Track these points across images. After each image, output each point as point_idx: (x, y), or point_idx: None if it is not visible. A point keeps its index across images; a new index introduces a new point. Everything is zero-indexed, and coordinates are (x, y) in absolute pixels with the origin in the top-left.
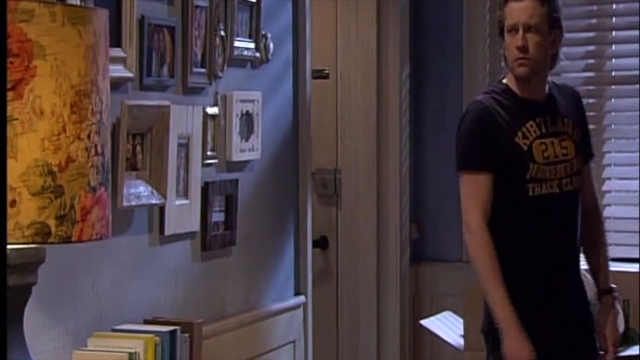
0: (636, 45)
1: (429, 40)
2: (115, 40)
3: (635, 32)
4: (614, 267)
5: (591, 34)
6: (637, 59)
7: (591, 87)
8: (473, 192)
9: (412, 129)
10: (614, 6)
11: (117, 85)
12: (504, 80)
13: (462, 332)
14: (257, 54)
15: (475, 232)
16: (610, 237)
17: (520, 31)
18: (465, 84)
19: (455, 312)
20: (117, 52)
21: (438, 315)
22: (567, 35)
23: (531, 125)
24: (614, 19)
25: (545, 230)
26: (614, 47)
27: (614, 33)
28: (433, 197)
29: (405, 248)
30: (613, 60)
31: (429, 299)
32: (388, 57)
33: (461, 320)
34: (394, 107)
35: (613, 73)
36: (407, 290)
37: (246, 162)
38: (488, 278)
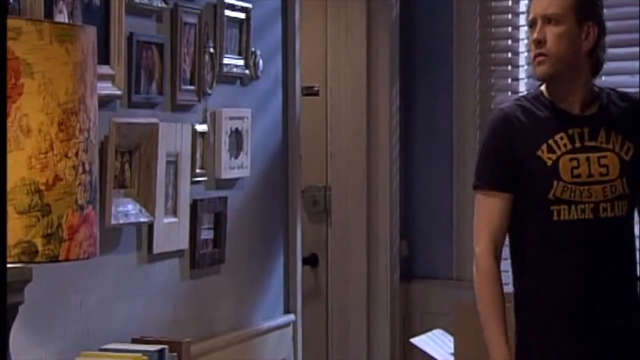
0: (626, 63)
1: (418, 57)
2: (104, 57)
3: (626, 50)
4: None
5: None
6: (627, 76)
7: None
8: (483, 215)
9: (402, 146)
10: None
11: (105, 102)
12: (542, 86)
13: (452, 350)
14: (247, 71)
15: (479, 264)
16: None
17: (539, 24)
18: (455, 100)
19: (445, 330)
20: (105, 69)
21: (428, 333)
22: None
23: (561, 138)
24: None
25: (574, 265)
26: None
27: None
28: (423, 214)
29: (396, 265)
30: (603, 78)
31: (420, 317)
32: (378, 74)
33: (451, 338)
34: (383, 124)
35: None
36: (397, 307)
37: (235, 179)
38: (486, 318)
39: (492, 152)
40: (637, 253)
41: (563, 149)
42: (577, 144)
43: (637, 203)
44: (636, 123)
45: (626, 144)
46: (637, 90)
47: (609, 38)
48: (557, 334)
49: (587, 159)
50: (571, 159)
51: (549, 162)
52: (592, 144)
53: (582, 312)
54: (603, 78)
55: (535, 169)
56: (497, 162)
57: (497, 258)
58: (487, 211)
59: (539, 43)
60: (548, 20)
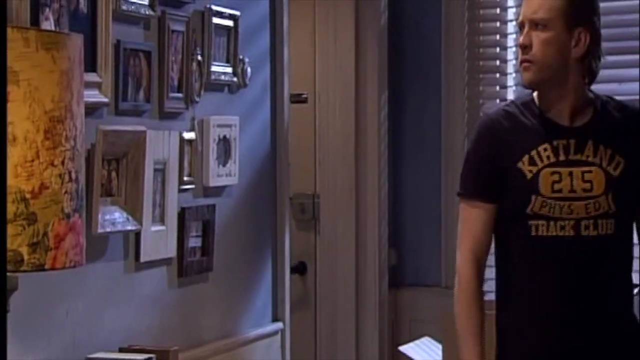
0: (614, 71)
1: (407, 65)
2: (91, 65)
3: (614, 58)
4: None
5: None
6: (615, 84)
7: None
8: (465, 224)
9: (391, 154)
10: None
11: (92, 110)
12: (535, 93)
13: (440, 358)
14: (235, 79)
15: (459, 274)
16: None
17: (526, 28)
18: (443, 108)
19: (433, 337)
20: (92, 77)
21: (417, 341)
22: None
23: (545, 149)
24: None
25: (552, 282)
26: None
27: None
28: (412, 222)
29: (384, 273)
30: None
31: (408, 325)
32: (366, 81)
33: (439, 346)
34: (372, 131)
35: None
36: (386, 315)
37: (223, 187)
38: (461, 334)
39: (475, 161)
40: (633, 274)
41: (545, 162)
42: (561, 157)
43: (635, 221)
44: (631, 136)
45: (616, 158)
46: (626, 97)
47: (607, 45)
48: (535, 353)
49: (570, 173)
50: (553, 173)
51: (529, 175)
52: (577, 157)
53: (559, 335)
54: (607, 85)
55: (514, 182)
56: (480, 172)
57: (478, 268)
58: (469, 221)
59: (524, 48)
60: (535, 24)
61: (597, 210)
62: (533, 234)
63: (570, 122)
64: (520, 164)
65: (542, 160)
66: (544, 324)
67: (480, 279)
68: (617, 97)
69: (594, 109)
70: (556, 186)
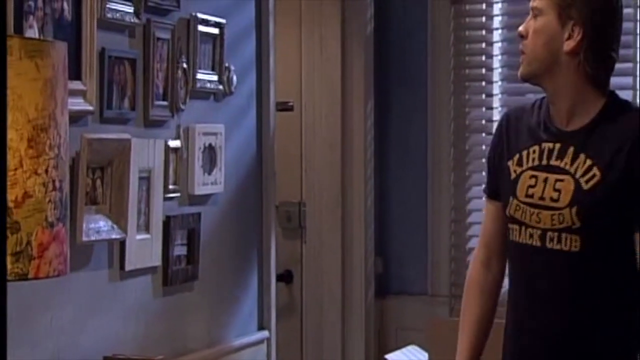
0: None
1: (393, 73)
2: (75, 72)
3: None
4: None
5: None
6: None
7: None
8: (483, 221)
9: (377, 162)
10: None
11: (76, 118)
12: None
13: None
14: (220, 87)
15: (469, 268)
16: None
17: (530, 16)
18: (429, 116)
19: (420, 346)
20: (76, 84)
21: (403, 349)
22: None
23: (534, 151)
24: None
25: (522, 291)
26: None
27: None
28: (398, 230)
29: (370, 281)
30: None
31: (394, 333)
32: (352, 89)
33: (426, 354)
34: (358, 139)
35: None
36: (372, 324)
37: (209, 195)
38: (460, 324)
39: (487, 157)
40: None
41: (530, 164)
42: (544, 161)
43: (613, 238)
44: (619, 151)
45: (592, 170)
46: None
47: None
48: (510, 357)
49: (545, 179)
50: (532, 176)
51: (513, 176)
52: (557, 163)
53: (527, 344)
54: None
55: (503, 180)
56: (489, 168)
57: (487, 265)
58: (485, 217)
59: (521, 37)
60: (534, 14)
61: (561, 223)
62: (510, 238)
63: (566, 124)
64: (510, 162)
65: (527, 162)
66: (515, 331)
67: (488, 276)
68: None
69: (597, 114)
70: (530, 191)
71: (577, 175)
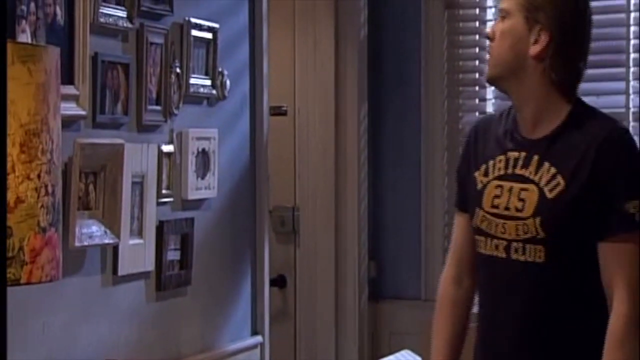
0: (591, 84)
1: (386, 78)
2: (68, 77)
3: (591, 71)
4: None
5: None
6: (594, 97)
7: None
8: (454, 233)
9: (371, 166)
10: None
11: (69, 123)
12: None
13: None
14: (214, 91)
15: (440, 285)
16: None
17: (499, 18)
18: (423, 121)
19: (413, 350)
20: (69, 89)
21: (396, 354)
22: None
23: (500, 160)
24: None
25: (489, 302)
26: None
27: None
28: (391, 234)
29: (364, 286)
30: None
31: (387, 338)
32: (346, 93)
33: (419, 359)
34: (352, 144)
35: None
36: (366, 328)
37: (202, 200)
38: (432, 342)
39: (457, 168)
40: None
41: (496, 173)
42: (509, 170)
43: (578, 248)
44: (583, 159)
45: (557, 178)
46: (606, 110)
47: (595, 58)
48: None
49: (510, 189)
50: (497, 186)
51: (479, 186)
52: (522, 172)
53: (490, 355)
54: (585, 98)
55: (470, 191)
56: (458, 180)
57: (460, 280)
58: (455, 230)
59: (489, 39)
60: (502, 15)
61: (526, 233)
62: (477, 249)
63: (531, 132)
64: (477, 173)
65: (493, 172)
66: (483, 342)
67: (459, 291)
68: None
69: (562, 121)
70: (495, 201)
71: (542, 184)
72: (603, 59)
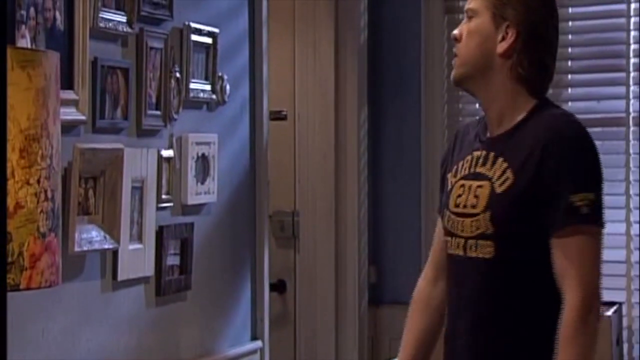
0: (591, 89)
1: (386, 82)
2: (68, 82)
3: (590, 76)
4: None
5: None
6: (594, 102)
7: None
8: (434, 236)
9: (371, 171)
10: (570, 50)
11: (69, 128)
12: None
13: None
14: (213, 96)
15: (416, 286)
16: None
17: (465, 19)
18: (423, 126)
19: None
20: (69, 94)
21: (396, 359)
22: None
23: (467, 161)
24: (569, 62)
25: (452, 302)
26: (570, 90)
27: (569, 76)
28: (391, 239)
29: (364, 291)
30: (569, 104)
31: (387, 343)
32: (346, 98)
33: None
34: (352, 148)
35: None
36: (366, 333)
37: (202, 205)
38: (402, 341)
39: (441, 170)
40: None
41: (462, 173)
42: (472, 169)
43: (528, 244)
44: (532, 154)
45: (506, 173)
46: (601, 116)
47: (595, 63)
48: None
49: (470, 187)
50: (461, 186)
51: (449, 187)
52: (481, 170)
53: (451, 350)
54: (586, 103)
55: (443, 192)
56: (440, 185)
57: (435, 282)
58: (435, 232)
59: (456, 41)
60: (469, 15)
61: (478, 229)
62: (447, 250)
63: (496, 130)
64: (449, 175)
65: (460, 172)
66: (446, 338)
67: (433, 292)
68: (598, 115)
69: (521, 118)
70: (458, 200)
71: (494, 179)
72: (603, 64)
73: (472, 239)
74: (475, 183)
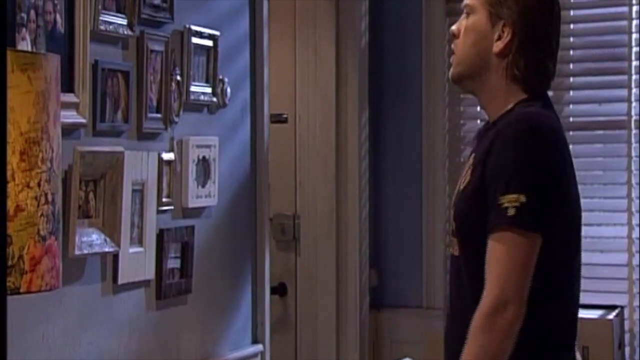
0: (593, 92)
1: (387, 85)
2: (68, 85)
3: (592, 79)
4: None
5: None
6: (595, 105)
7: None
8: None
9: (371, 174)
10: (571, 52)
11: (69, 131)
12: None
13: None
14: (214, 99)
15: None
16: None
17: (463, 15)
18: (424, 129)
19: (414, 358)
20: (69, 97)
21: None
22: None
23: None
24: (571, 65)
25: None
26: (571, 92)
27: (571, 79)
28: (393, 242)
29: (365, 294)
30: (571, 106)
31: (389, 346)
32: (347, 101)
33: None
34: (353, 151)
35: (571, 119)
36: (367, 337)
37: (203, 208)
38: None
39: None
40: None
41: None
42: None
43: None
44: (487, 152)
45: (468, 171)
46: (603, 119)
47: (597, 65)
48: None
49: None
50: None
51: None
52: (466, 169)
53: (444, 347)
54: (587, 106)
55: None
56: None
57: None
58: None
59: (454, 37)
60: (466, 11)
61: (451, 226)
62: None
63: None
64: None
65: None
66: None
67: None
68: (599, 118)
69: (499, 116)
70: (453, 200)
71: (462, 176)
72: (605, 67)
73: (450, 237)
74: (460, 182)
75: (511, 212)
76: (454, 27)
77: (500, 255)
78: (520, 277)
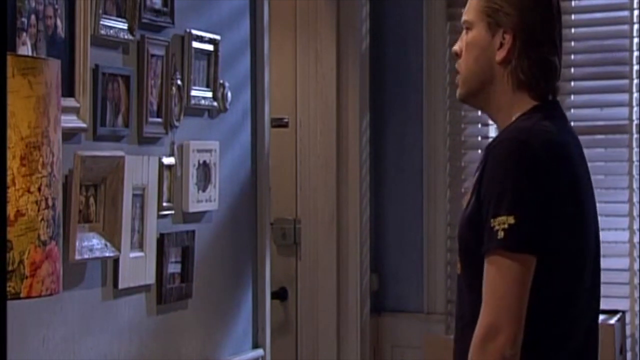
0: (594, 96)
1: (388, 89)
2: (69, 89)
3: (594, 83)
4: None
5: None
6: (597, 109)
7: None
8: None
9: (372, 178)
10: (572, 57)
11: (70, 135)
12: None
13: None
14: (215, 103)
15: None
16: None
17: (464, 32)
18: (425, 132)
19: None
20: (70, 102)
21: None
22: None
23: None
24: (572, 69)
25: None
26: (572, 97)
27: (572, 83)
28: (394, 247)
29: (366, 299)
30: (572, 111)
31: (390, 350)
32: (348, 106)
33: None
34: (354, 156)
35: (572, 124)
36: (368, 341)
37: (203, 212)
38: None
39: None
40: None
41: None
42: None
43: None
44: (479, 170)
45: (472, 190)
46: (604, 123)
47: (598, 70)
48: None
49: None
50: None
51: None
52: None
53: None
54: (588, 110)
55: None
56: None
57: None
58: None
59: (456, 56)
60: (466, 27)
61: (457, 246)
62: None
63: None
64: None
65: None
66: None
67: None
68: (600, 122)
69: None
70: (459, 221)
71: (467, 199)
72: (606, 71)
73: (457, 255)
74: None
75: (500, 235)
76: (455, 47)
77: (492, 279)
78: (513, 300)
